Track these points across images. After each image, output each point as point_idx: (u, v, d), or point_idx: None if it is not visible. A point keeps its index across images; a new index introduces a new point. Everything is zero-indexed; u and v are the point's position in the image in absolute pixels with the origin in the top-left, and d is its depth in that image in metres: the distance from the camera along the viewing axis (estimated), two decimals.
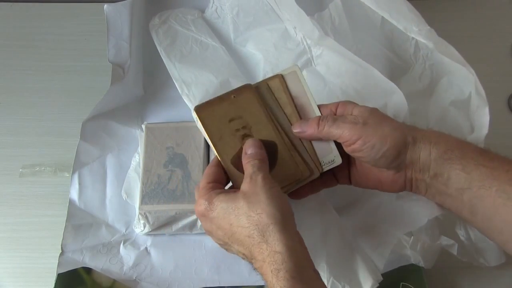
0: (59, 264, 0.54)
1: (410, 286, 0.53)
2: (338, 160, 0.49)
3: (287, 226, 0.40)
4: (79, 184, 0.59)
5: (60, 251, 0.55)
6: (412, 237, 0.53)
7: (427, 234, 0.54)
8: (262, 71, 0.65)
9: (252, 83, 0.50)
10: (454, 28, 0.69)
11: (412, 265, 0.54)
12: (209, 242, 0.56)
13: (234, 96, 0.49)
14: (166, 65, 0.64)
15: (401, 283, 0.53)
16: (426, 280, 0.54)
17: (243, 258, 0.43)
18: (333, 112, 0.48)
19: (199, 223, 0.56)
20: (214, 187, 0.45)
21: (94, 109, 0.60)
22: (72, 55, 0.71)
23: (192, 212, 0.56)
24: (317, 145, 0.49)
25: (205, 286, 0.55)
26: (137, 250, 0.57)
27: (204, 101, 0.49)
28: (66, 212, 0.57)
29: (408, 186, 0.48)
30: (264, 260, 0.39)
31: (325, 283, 0.46)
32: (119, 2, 0.63)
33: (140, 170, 0.59)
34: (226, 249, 0.46)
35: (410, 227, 0.52)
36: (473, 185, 0.43)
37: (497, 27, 0.75)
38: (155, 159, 0.59)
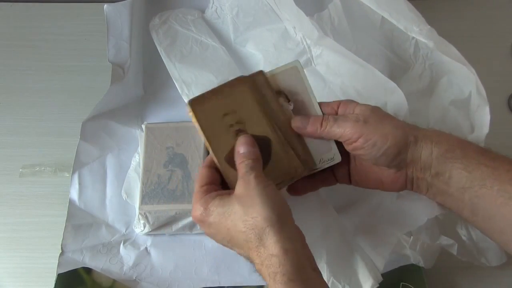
0: (59, 264, 0.54)
1: (410, 286, 0.53)
2: (338, 158, 0.49)
3: (284, 226, 0.40)
4: (79, 184, 0.59)
5: (60, 251, 0.55)
6: (411, 237, 0.53)
7: (427, 234, 0.54)
8: None
9: None
10: (454, 28, 0.69)
11: (412, 265, 0.54)
12: (209, 242, 0.56)
13: (228, 89, 0.47)
14: (166, 65, 0.64)
15: (401, 283, 0.53)
16: (426, 280, 0.54)
17: (246, 260, 0.43)
18: (335, 111, 0.48)
19: None
20: (208, 190, 0.44)
21: (94, 109, 0.60)
22: (72, 55, 0.71)
23: None
24: (316, 143, 0.48)
25: (205, 286, 0.55)
26: (137, 250, 0.57)
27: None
28: (66, 212, 0.57)
29: (409, 185, 0.47)
30: (262, 263, 0.39)
31: None
32: (119, 2, 0.63)
33: (140, 170, 0.59)
34: (230, 249, 0.45)
35: (410, 227, 0.52)
36: (474, 184, 0.43)
37: (497, 27, 0.75)
38: (155, 159, 0.59)
